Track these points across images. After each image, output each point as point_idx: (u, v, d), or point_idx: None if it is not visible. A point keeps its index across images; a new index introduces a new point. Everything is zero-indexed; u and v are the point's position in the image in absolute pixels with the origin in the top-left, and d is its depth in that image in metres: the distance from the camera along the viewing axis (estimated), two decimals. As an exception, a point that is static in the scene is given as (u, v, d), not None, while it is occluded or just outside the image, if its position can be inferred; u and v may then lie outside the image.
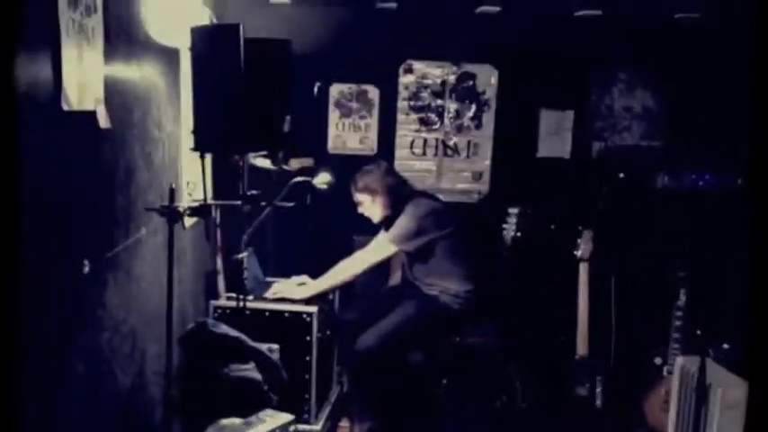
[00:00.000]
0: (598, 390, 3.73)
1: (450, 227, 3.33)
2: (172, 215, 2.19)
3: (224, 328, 2.61)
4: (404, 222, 3.28)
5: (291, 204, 3.01)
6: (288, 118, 2.46)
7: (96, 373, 2.18)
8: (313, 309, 3.22)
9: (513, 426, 3.59)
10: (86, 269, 1.91)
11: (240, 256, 3.25)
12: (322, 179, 3.40)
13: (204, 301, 3.35)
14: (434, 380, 3.46)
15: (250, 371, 2.54)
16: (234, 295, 3.23)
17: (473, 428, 3.54)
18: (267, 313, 3.22)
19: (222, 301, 3.30)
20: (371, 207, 3.39)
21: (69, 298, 1.90)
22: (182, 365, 2.64)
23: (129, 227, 2.40)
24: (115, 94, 2.21)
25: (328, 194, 3.44)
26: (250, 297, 3.34)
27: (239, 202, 2.75)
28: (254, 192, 2.73)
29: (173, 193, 2.16)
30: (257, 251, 3.66)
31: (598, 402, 3.72)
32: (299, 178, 3.33)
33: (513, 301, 3.74)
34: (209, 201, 2.94)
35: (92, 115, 2.02)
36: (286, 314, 3.21)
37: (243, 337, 2.64)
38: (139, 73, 2.50)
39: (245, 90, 2.20)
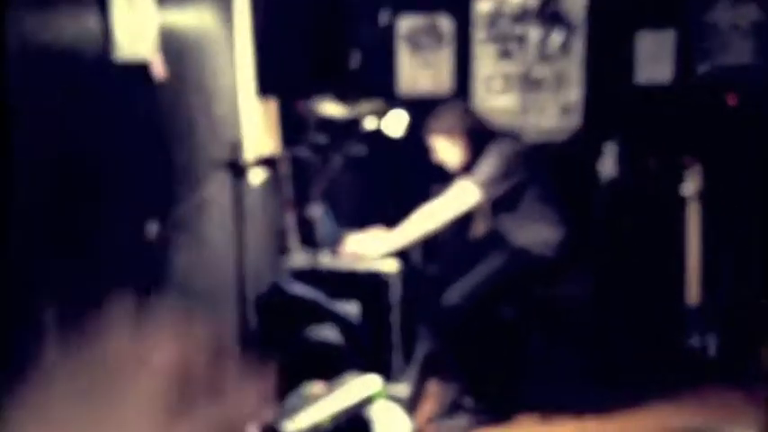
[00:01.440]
0: (712, 340, 3.38)
1: (540, 168, 2.99)
2: (236, 170, 2.04)
3: (299, 289, 2.42)
4: (488, 165, 2.96)
5: (363, 154, 2.74)
6: (355, 54, 2.17)
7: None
8: (393, 266, 2.97)
9: (614, 383, 3.28)
10: (153, 231, 1.72)
11: (311, 210, 3.04)
12: (394, 121, 3.09)
13: (278, 259, 3.15)
14: (526, 335, 3.17)
15: (329, 333, 2.35)
16: (307, 252, 3.03)
17: (568, 386, 3.25)
18: (344, 271, 3.00)
19: (296, 260, 3.09)
20: (449, 151, 3.07)
21: (134, 260, 1.72)
22: (257, 331, 2.49)
23: (193, 185, 2.20)
24: (170, 42, 1.99)
25: (402, 140, 3.14)
26: (325, 253, 3.13)
27: (307, 153, 2.51)
28: (321, 141, 2.48)
29: (235, 147, 1.95)
30: (330, 202, 3.43)
31: (712, 353, 3.37)
32: (371, 123, 3.04)
33: (612, 248, 3.38)
34: (275, 153, 2.71)
35: (146, 66, 1.82)
36: (364, 272, 2.98)
37: (320, 297, 2.44)
38: (195, 19, 2.27)
39: (309, 24, 1.94)
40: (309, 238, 2.81)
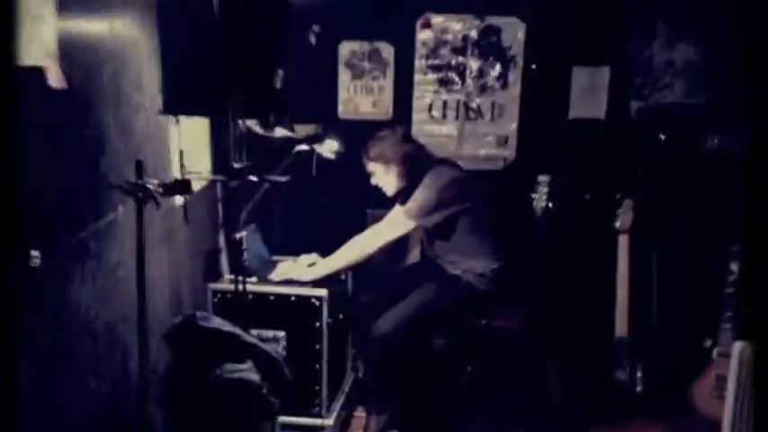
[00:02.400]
0: (639, 374, 3.39)
1: (474, 199, 2.97)
2: (140, 193, 1.80)
3: (217, 322, 2.27)
4: (422, 194, 2.93)
5: (285, 179, 2.65)
6: (280, 72, 2.09)
7: (62, 380, 1.88)
8: (323, 292, 2.89)
9: (544, 415, 3.26)
10: (36, 261, 1.58)
11: (239, 234, 2.93)
12: (329, 147, 3.04)
13: (204, 284, 3.03)
14: (458, 367, 3.13)
15: (247, 371, 2.20)
16: (236, 279, 2.92)
17: (501, 418, 3.22)
18: (272, 297, 2.91)
19: (222, 285, 2.98)
20: (385, 177, 3.04)
21: (16, 294, 1.58)
22: (167, 367, 2.28)
23: (101, 207, 2.07)
24: (75, 47, 1.86)
25: (338, 165, 3.08)
26: (253, 279, 3.04)
27: (223, 177, 2.40)
28: (242, 164, 2.38)
29: (140, 167, 1.81)
30: (262, 227, 3.34)
31: (639, 388, 3.38)
32: (302, 147, 2.97)
33: (544, 280, 3.38)
34: (188, 175, 2.60)
35: (40, 72, 1.68)
36: (292, 298, 2.90)
37: (238, 331, 2.30)
38: (108, 23, 2.14)
39: (222, 38, 1.84)
40: (239, 264, 2.71)
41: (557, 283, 3.52)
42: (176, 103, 2.02)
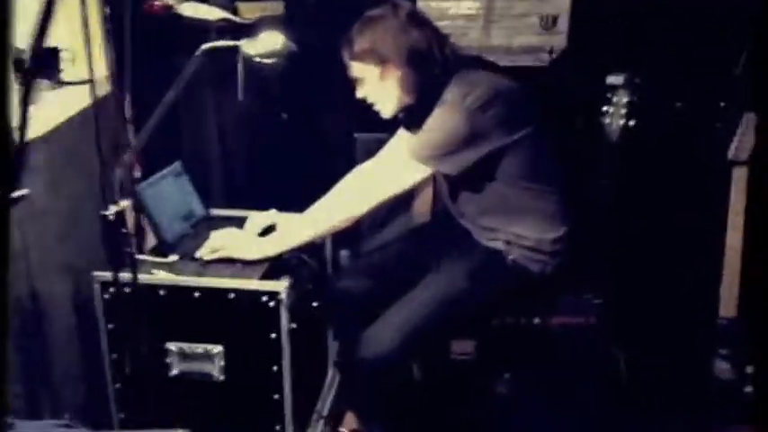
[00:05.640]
0: (750, 369, 2.36)
1: (529, 124, 1.79)
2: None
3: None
4: (442, 120, 1.75)
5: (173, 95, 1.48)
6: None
7: None
8: (280, 285, 1.77)
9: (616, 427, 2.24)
10: None
11: (139, 186, 1.81)
12: (263, 45, 1.78)
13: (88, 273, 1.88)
14: (491, 376, 2.06)
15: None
16: (138, 257, 1.81)
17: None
18: (197, 294, 1.79)
19: (111, 274, 1.83)
20: (380, 87, 1.83)
21: None
22: None
23: None
24: None
25: (291, 70, 1.88)
26: (172, 258, 1.91)
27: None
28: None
29: None
30: (191, 167, 2.17)
31: (749, 388, 2.36)
32: (216, 43, 1.72)
33: (622, 242, 2.24)
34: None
35: None
36: (231, 295, 1.78)
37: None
38: None
39: None
40: (121, 248, 1.57)
41: (640, 247, 2.38)
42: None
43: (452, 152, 1.73)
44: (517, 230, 1.84)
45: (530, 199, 1.84)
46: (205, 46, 1.62)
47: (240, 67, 1.74)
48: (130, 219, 1.54)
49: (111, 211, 1.45)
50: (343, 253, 2.78)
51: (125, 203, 1.51)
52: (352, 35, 1.83)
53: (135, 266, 1.50)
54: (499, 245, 1.86)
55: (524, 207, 1.84)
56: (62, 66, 1.98)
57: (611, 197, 2.05)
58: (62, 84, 1.97)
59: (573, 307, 1.93)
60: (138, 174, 2.18)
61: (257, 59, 1.76)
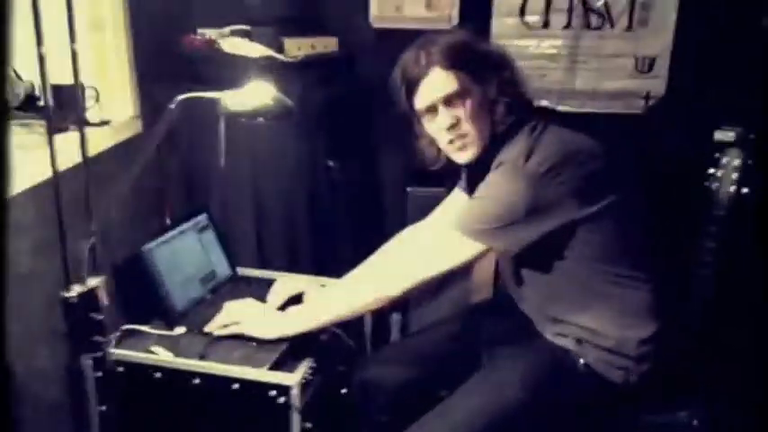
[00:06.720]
0: None
1: (612, 193, 1.42)
2: None
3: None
4: (499, 185, 1.40)
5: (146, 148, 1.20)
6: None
7: None
8: (292, 378, 1.46)
9: None
10: None
11: (144, 248, 1.56)
12: (248, 99, 1.45)
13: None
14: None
15: None
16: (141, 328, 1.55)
17: None
18: (197, 380, 1.49)
19: (101, 352, 1.55)
20: (474, 113, 1.46)
21: None
22: None
23: None
24: None
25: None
26: (178, 330, 1.64)
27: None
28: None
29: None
30: (223, 218, 1.91)
31: None
32: (192, 95, 1.42)
33: (729, 346, 1.79)
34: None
35: None
36: (235, 386, 1.47)
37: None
38: None
39: None
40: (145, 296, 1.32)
41: (756, 360, 1.91)
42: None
43: (510, 226, 1.38)
44: (592, 326, 1.46)
45: (610, 286, 1.46)
46: (181, 97, 1.32)
47: (221, 125, 1.45)
48: (104, 297, 1.25)
49: (74, 292, 1.17)
50: (395, 317, 2.46)
51: (96, 281, 1.23)
52: (405, 61, 1.50)
53: (104, 357, 1.22)
54: (568, 343, 1.48)
55: (603, 296, 1.46)
56: (87, 104, 1.78)
57: (716, 286, 1.62)
58: (85, 124, 1.76)
59: (663, 429, 1.52)
60: (168, 222, 1.96)
61: (241, 118, 1.44)
